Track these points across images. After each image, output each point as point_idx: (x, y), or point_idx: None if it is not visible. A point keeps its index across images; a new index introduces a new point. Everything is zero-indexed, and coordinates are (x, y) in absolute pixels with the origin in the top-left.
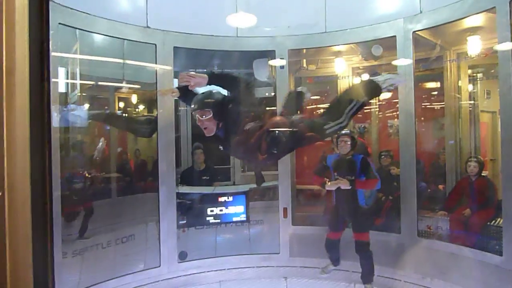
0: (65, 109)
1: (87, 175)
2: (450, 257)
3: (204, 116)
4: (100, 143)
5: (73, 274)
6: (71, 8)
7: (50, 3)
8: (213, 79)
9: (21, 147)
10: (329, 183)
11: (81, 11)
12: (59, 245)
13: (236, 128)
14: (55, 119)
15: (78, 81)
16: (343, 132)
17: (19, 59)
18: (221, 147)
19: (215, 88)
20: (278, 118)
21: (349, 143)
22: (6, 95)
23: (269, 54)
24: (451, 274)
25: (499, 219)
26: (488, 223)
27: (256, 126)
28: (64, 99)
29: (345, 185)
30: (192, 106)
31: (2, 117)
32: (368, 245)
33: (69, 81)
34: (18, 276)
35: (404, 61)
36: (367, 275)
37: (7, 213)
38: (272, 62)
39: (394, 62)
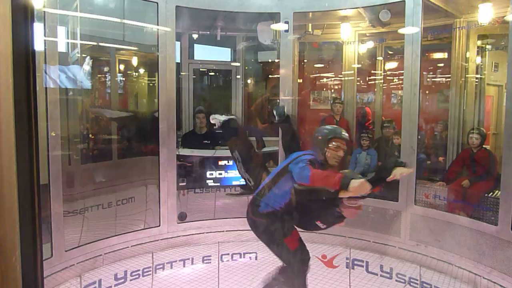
0: (65, 69)
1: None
2: (446, 226)
3: None
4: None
5: (74, 232)
6: None
7: None
8: None
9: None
10: None
11: None
12: (60, 203)
13: None
14: (54, 80)
15: (78, 41)
16: None
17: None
18: None
19: None
20: None
21: None
22: None
23: (274, 17)
24: (446, 241)
25: (497, 191)
26: (486, 194)
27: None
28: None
29: None
30: None
31: None
32: None
33: (69, 40)
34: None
35: (412, 29)
36: None
37: None
38: (275, 26)
39: (402, 30)
